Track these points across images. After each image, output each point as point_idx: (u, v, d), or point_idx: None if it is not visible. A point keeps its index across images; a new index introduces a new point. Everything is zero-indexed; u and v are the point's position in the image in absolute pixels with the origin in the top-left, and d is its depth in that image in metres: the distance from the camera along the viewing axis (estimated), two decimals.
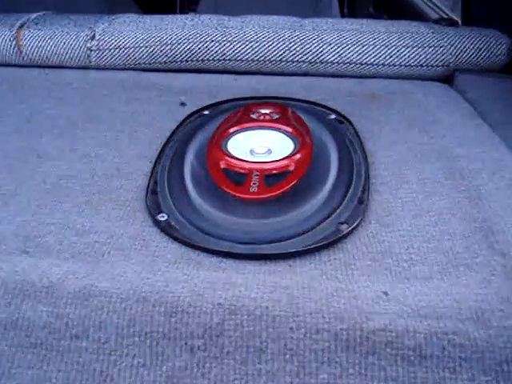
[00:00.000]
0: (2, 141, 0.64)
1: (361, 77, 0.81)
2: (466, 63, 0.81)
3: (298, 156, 0.56)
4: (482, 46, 0.81)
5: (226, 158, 0.56)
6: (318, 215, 0.51)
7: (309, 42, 0.80)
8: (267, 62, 0.81)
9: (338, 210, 0.52)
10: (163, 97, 0.76)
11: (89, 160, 0.60)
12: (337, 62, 0.81)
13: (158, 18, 0.85)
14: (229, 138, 0.61)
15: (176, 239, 0.48)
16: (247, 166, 0.55)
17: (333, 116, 0.70)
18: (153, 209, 0.52)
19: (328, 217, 0.51)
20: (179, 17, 0.85)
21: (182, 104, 0.75)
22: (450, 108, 0.71)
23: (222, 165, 0.56)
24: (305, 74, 0.82)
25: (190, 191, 0.54)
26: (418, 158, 0.61)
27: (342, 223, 0.50)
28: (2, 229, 0.49)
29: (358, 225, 0.50)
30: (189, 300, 0.40)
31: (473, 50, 0.81)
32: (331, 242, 0.48)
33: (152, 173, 0.58)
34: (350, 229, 0.49)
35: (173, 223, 0.50)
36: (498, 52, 0.81)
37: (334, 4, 2.06)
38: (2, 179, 0.56)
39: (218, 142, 0.59)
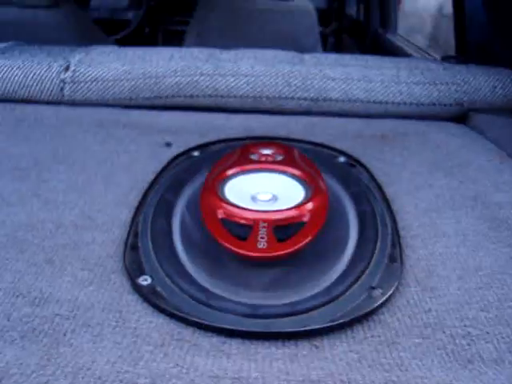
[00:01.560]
0: None
1: (368, 116, 0.73)
2: (480, 102, 0.74)
3: (313, 204, 0.46)
4: (496, 84, 0.74)
5: (225, 205, 0.45)
6: (345, 279, 0.40)
7: (311, 77, 0.72)
8: (264, 99, 0.72)
9: (368, 271, 0.41)
10: (145, 136, 0.65)
11: (54, 207, 0.49)
12: (342, 100, 0.72)
13: (141, 49, 0.76)
14: (225, 183, 0.50)
15: (163, 311, 0.37)
16: (251, 215, 0.44)
17: (342, 159, 0.61)
18: (132, 269, 0.41)
19: (357, 280, 0.40)
20: (165, 49, 0.77)
21: (167, 144, 0.65)
22: (475, 149, 0.63)
23: (220, 214, 0.45)
24: (306, 113, 0.73)
25: (179, 248, 0.44)
26: (450, 206, 0.51)
27: (373, 288, 0.40)
28: None
29: (394, 290, 0.40)
30: None
31: (488, 88, 0.74)
32: (365, 314, 0.37)
33: (132, 223, 0.47)
34: (386, 296, 0.39)
35: (158, 289, 0.39)
36: None
37: (318, 49, 2.03)
38: None
39: (212, 186, 0.49)
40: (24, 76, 0.70)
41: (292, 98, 0.72)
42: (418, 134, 0.68)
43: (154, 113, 0.71)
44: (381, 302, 0.38)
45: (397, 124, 0.71)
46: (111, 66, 0.71)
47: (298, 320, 0.36)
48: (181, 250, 0.43)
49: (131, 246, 0.44)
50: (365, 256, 0.43)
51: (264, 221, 0.43)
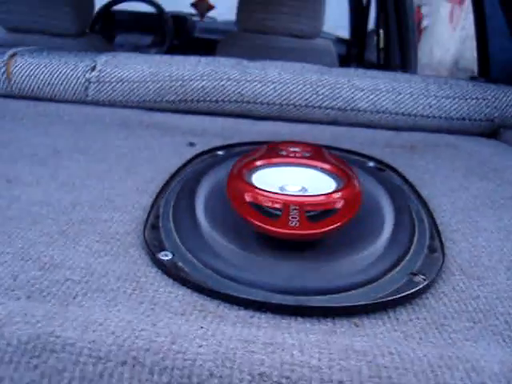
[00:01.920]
0: None
1: (396, 128, 0.71)
2: (511, 119, 0.72)
3: (345, 192, 0.43)
4: None
5: (254, 189, 0.43)
6: (383, 262, 0.37)
7: (339, 86, 0.71)
8: (291, 107, 0.71)
9: (407, 258, 0.38)
10: (169, 136, 0.64)
11: (72, 189, 0.47)
12: (370, 111, 0.71)
13: (168, 56, 0.76)
14: (253, 172, 0.48)
15: (186, 283, 0.34)
16: (282, 198, 0.41)
17: (371, 163, 0.59)
18: (153, 245, 0.38)
19: (396, 265, 0.37)
20: (192, 56, 0.76)
21: (191, 144, 0.63)
22: (509, 156, 0.60)
23: (248, 198, 0.42)
24: (333, 123, 0.72)
25: (203, 227, 0.41)
26: (489, 206, 0.48)
27: (414, 274, 0.37)
28: None
29: (436, 276, 0.36)
30: (211, 366, 0.25)
31: None
32: (407, 297, 0.34)
33: (152, 207, 0.45)
34: (428, 281, 0.35)
35: (180, 264, 0.36)
36: None
37: None
38: None
39: (239, 173, 0.46)
40: (50, 74, 0.70)
41: (319, 106, 0.71)
42: (448, 145, 0.65)
43: (178, 116, 0.70)
44: (423, 285, 0.35)
45: (426, 136, 0.69)
46: (137, 68, 0.71)
47: (335, 297, 0.33)
48: (205, 229, 0.41)
49: (151, 226, 0.41)
50: (402, 243, 0.40)
51: (295, 203, 0.41)
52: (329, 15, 1.77)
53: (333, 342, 0.27)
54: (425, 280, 0.36)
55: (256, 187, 0.43)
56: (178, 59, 0.74)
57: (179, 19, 2.34)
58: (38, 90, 0.70)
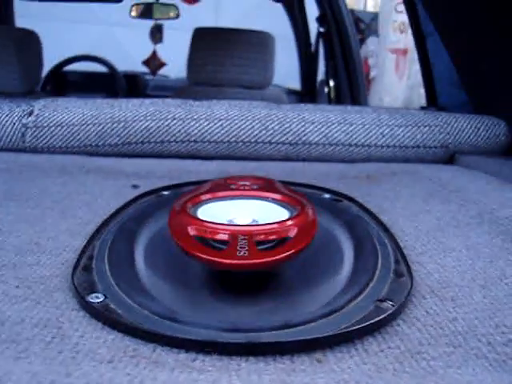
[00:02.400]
0: None
1: (350, 161, 0.69)
2: (465, 144, 0.71)
3: (299, 219, 0.39)
4: (479, 125, 0.72)
5: (198, 222, 0.38)
6: (345, 291, 0.33)
7: (288, 120, 0.69)
8: (240, 144, 0.67)
9: (372, 284, 0.34)
10: (111, 180, 0.59)
11: None
12: (322, 144, 0.68)
13: (109, 99, 0.72)
14: (198, 207, 0.44)
15: (117, 326, 0.29)
16: (229, 229, 0.37)
17: (327, 195, 0.56)
18: (82, 288, 0.33)
19: (360, 293, 0.33)
20: (135, 99, 0.73)
21: (135, 187, 0.59)
22: (470, 178, 0.58)
23: (192, 231, 0.38)
24: (285, 159, 0.69)
25: (140, 265, 0.36)
26: (455, 225, 0.45)
27: (381, 300, 0.32)
28: None
29: (406, 300, 0.32)
30: None
31: (471, 130, 0.71)
32: (376, 325, 0.29)
33: (85, 248, 0.39)
34: (397, 306, 0.31)
35: (112, 306, 0.31)
36: (497, 132, 0.72)
37: None
38: None
39: (183, 208, 0.42)
40: None
41: (269, 142, 0.68)
42: (406, 173, 0.63)
43: (121, 159, 0.66)
44: (392, 311, 0.31)
45: (382, 166, 0.67)
46: (77, 111, 0.67)
47: (292, 332, 0.28)
48: (143, 270, 0.36)
49: (83, 267, 0.36)
50: (365, 270, 0.36)
51: (244, 233, 0.36)
52: (279, 67, 1.80)
53: (290, 381, 0.22)
54: (393, 306, 0.32)
55: (201, 219, 0.39)
56: (121, 101, 0.71)
57: (131, 78, 2.34)
58: None
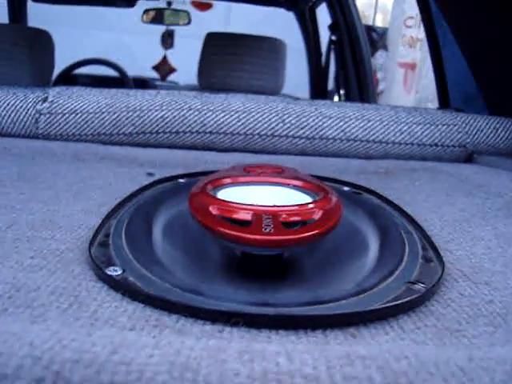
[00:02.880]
0: None
1: (368, 157, 0.68)
2: (483, 144, 0.70)
3: (323, 203, 0.38)
4: (498, 126, 0.71)
5: (220, 202, 0.37)
6: (375, 272, 0.32)
7: (306, 114, 0.68)
8: (256, 136, 0.66)
9: (401, 267, 0.33)
10: (125, 167, 0.58)
11: (9, 211, 0.40)
12: (339, 139, 0.67)
13: (124, 89, 0.72)
14: (217, 190, 0.42)
15: (137, 296, 0.27)
16: (253, 208, 0.36)
17: (346, 188, 0.54)
18: (99, 261, 0.31)
19: (390, 274, 0.31)
20: (151, 90, 0.72)
21: (150, 174, 0.58)
22: (491, 174, 0.57)
23: (214, 210, 0.36)
24: (301, 153, 0.68)
25: (161, 240, 0.35)
26: (481, 217, 0.44)
27: (412, 282, 0.31)
28: None
29: (438, 283, 0.31)
30: (165, 379, 0.18)
31: (490, 130, 0.70)
32: (409, 303, 0.28)
33: (101, 226, 0.38)
34: (428, 287, 0.30)
35: (131, 279, 0.30)
36: None
37: None
38: None
39: (203, 189, 0.40)
40: None
41: (286, 135, 0.67)
42: (426, 169, 0.62)
43: (136, 148, 0.65)
44: (424, 292, 0.29)
45: (401, 163, 0.65)
46: (92, 99, 0.66)
47: (323, 307, 0.27)
48: (164, 245, 0.35)
49: (100, 243, 0.35)
50: (393, 253, 0.34)
51: (268, 213, 0.35)
52: (288, 78, 1.79)
53: (329, 349, 0.21)
54: (425, 288, 0.30)
55: (223, 200, 0.37)
56: (137, 91, 0.70)
57: (141, 83, 2.34)
58: None
